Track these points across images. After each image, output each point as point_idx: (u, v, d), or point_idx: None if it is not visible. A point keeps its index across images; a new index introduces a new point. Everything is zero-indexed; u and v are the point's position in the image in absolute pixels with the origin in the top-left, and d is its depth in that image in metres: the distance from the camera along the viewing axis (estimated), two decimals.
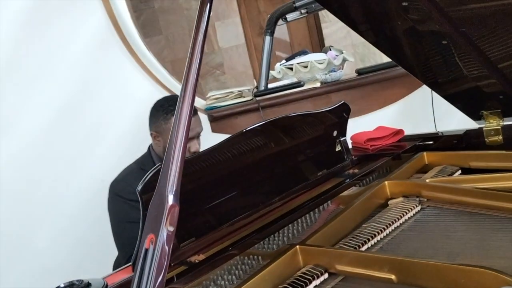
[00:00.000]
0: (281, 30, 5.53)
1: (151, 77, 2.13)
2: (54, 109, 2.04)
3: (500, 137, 1.34)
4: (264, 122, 1.21)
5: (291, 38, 5.66)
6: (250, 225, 1.09)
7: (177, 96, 1.71)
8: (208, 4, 0.61)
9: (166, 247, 0.50)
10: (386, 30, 1.11)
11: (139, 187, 0.83)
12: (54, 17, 2.00)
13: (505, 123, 1.35)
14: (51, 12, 2.00)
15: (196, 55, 0.61)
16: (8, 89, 1.99)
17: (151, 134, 1.66)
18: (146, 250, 0.50)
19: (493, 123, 1.35)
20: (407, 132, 1.60)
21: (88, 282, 0.74)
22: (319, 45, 5.31)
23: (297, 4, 2.12)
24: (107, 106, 2.09)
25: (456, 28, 0.92)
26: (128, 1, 2.36)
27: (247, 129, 1.16)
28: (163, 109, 1.62)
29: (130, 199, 1.54)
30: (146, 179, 0.84)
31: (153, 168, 0.86)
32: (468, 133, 1.41)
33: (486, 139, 1.36)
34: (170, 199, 0.53)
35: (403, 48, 1.17)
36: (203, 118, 2.23)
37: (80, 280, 0.75)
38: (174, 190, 0.54)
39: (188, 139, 0.59)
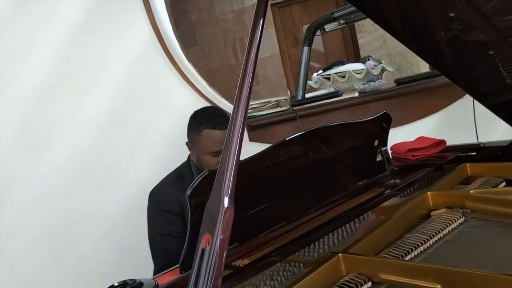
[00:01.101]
0: (315, 41, 5.55)
1: (190, 86, 2.19)
2: (99, 116, 2.12)
3: None
4: (304, 132, 1.22)
5: (326, 48, 5.67)
6: (291, 233, 1.11)
7: (214, 108, 1.72)
8: (262, 18, 0.64)
9: (222, 248, 0.53)
10: (430, 40, 1.11)
11: (188, 192, 0.86)
12: (101, 27, 2.09)
13: None
14: (98, 23, 2.09)
15: (251, 59, 0.64)
16: (55, 97, 2.08)
17: (187, 144, 1.67)
18: (203, 250, 0.53)
19: None
20: (448, 143, 1.58)
21: (141, 282, 0.78)
22: (354, 55, 5.29)
23: (336, 15, 2.14)
24: (150, 113, 2.15)
25: (503, 38, 0.91)
26: (170, 13, 2.44)
27: (288, 138, 1.18)
28: (197, 121, 1.61)
29: (164, 210, 1.57)
30: (196, 183, 0.87)
31: (202, 173, 0.89)
32: None
33: None
34: (226, 201, 0.56)
35: (446, 58, 1.17)
36: None
37: (133, 279, 0.78)
38: (229, 193, 0.57)
39: (242, 141, 0.62)
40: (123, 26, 2.09)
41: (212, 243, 0.52)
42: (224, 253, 0.53)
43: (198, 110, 1.68)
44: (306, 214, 1.18)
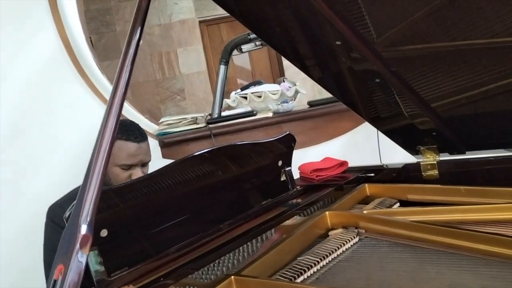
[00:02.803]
0: (245, 60, 5.65)
1: (102, 100, 2.10)
2: None
3: (436, 172, 1.40)
4: (209, 149, 1.21)
5: (253, 67, 5.77)
6: (189, 254, 1.07)
7: (129, 120, 1.69)
8: (140, 27, 0.61)
9: (75, 279, 0.49)
10: (326, 67, 1.15)
11: (67, 213, 0.80)
12: (2, 32, 1.95)
13: (441, 158, 1.42)
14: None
15: (121, 84, 0.60)
16: None
17: None
18: (55, 282, 0.48)
19: (429, 158, 1.41)
20: (355, 164, 1.64)
21: None
22: (279, 75, 5.44)
23: (252, 36, 2.18)
24: (54, 126, 2.03)
25: (388, 68, 0.97)
26: (84, 22, 2.34)
27: (191, 155, 1.16)
28: None
29: (62, 227, 1.48)
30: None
31: None
32: (407, 167, 1.47)
33: (423, 173, 1.42)
34: (83, 229, 0.52)
35: (342, 85, 1.22)
36: (154, 143, 2.21)
37: None
38: (88, 219, 0.53)
39: (107, 165, 0.58)
40: (27, 33, 1.96)
41: (65, 274, 0.48)
42: (78, 284, 0.49)
43: None
44: (208, 234, 1.16)
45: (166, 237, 1.08)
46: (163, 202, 1.09)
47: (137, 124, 1.65)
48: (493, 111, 1.17)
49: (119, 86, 0.60)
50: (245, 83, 4.28)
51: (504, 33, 0.85)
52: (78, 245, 0.50)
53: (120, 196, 0.96)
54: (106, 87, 2.18)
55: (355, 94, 1.23)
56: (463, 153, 1.38)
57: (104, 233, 0.86)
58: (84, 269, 0.50)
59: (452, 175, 1.39)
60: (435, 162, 1.40)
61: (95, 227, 0.81)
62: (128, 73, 0.60)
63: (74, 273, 0.48)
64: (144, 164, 1.58)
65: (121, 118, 1.81)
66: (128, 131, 1.56)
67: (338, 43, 0.90)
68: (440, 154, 1.42)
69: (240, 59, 5.54)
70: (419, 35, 0.98)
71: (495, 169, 1.35)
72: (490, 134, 1.28)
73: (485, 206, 1.14)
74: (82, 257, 0.50)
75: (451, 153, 1.39)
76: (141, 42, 0.62)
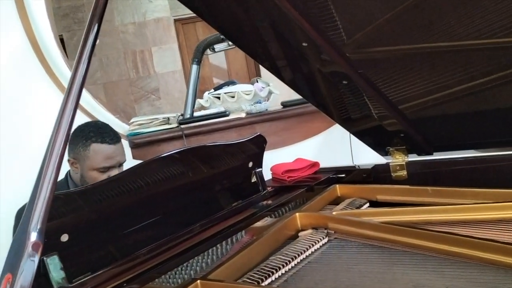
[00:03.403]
0: (221, 59, 5.62)
1: None
2: None
3: (405, 173, 1.42)
4: (179, 150, 1.19)
5: (229, 66, 5.75)
6: (156, 258, 1.05)
7: (101, 122, 1.66)
8: (97, 24, 0.59)
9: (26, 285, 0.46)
10: (295, 69, 1.15)
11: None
12: None
13: (410, 159, 1.44)
14: None
15: (76, 85, 0.58)
16: None
17: (69, 161, 1.59)
18: None
19: (398, 159, 1.43)
20: (327, 164, 1.65)
21: None
22: (255, 75, 5.43)
23: None
24: (20, 128, 1.97)
25: (355, 69, 0.97)
26: (53, 20, 2.27)
27: (160, 156, 1.15)
28: (83, 135, 1.56)
29: None
30: None
31: None
32: (376, 167, 1.48)
33: (392, 174, 1.44)
34: (33, 236, 0.50)
35: (312, 87, 1.22)
36: (124, 144, 2.16)
37: None
38: (38, 227, 0.51)
39: (59, 169, 0.56)
40: None
41: (13, 284, 0.46)
42: None
43: (83, 124, 1.61)
44: (176, 237, 1.14)
45: (132, 240, 1.06)
46: (130, 204, 1.07)
47: (109, 126, 1.64)
48: (458, 113, 1.19)
49: (73, 88, 0.58)
50: (222, 82, 4.26)
51: (467, 37, 0.86)
52: (27, 254, 0.48)
53: (83, 199, 0.94)
54: None
55: (325, 96, 1.24)
56: (430, 154, 1.40)
57: (64, 237, 0.83)
58: (36, 274, 0.47)
59: (420, 175, 1.41)
60: (404, 163, 1.42)
61: (55, 231, 0.79)
62: (83, 72, 0.58)
63: (23, 282, 0.46)
64: (121, 165, 1.59)
65: (92, 120, 1.79)
66: (102, 133, 1.55)
67: (304, 44, 0.89)
68: (409, 155, 1.44)
69: (216, 58, 5.52)
70: (386, 38, 0.98)
71: (462, 170, 1.37)
72: (456, 135, 1.31)
73: (451, 207, 1.16)
74: (34, 257, 0.47)
75: (419, 154, 1.41)
76: (97, 41, 0.60)
